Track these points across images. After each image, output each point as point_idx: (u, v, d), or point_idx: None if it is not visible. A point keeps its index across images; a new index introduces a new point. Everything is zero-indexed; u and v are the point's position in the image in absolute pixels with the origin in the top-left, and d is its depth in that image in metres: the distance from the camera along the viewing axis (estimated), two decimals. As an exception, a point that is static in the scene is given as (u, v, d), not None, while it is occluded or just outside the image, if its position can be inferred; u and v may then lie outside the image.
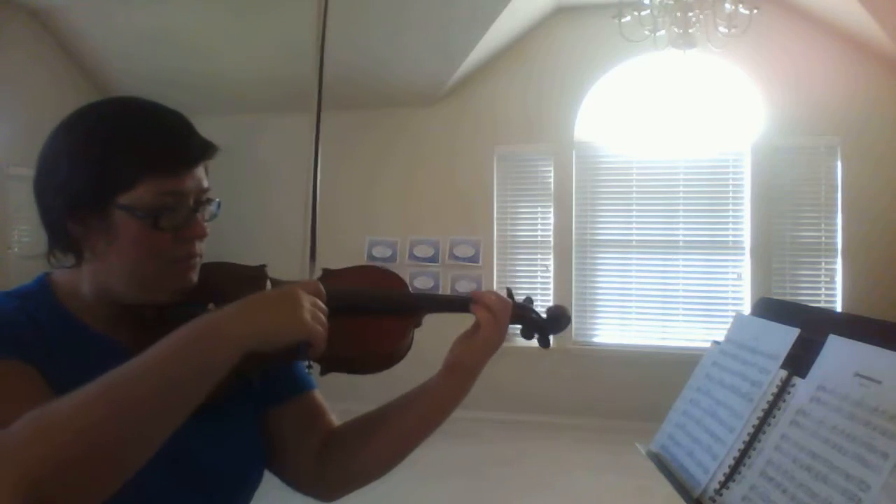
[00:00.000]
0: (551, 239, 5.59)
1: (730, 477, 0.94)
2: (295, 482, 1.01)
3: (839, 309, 5.10)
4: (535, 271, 5.61)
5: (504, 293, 0.99)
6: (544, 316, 1.01)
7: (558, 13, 5.50)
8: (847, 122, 5.02)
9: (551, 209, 5.60)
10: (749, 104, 5.24)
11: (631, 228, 5.54)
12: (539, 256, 5.60)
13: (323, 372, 0.92)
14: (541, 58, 5.55)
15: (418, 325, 0.97)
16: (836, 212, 5.13)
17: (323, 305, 0.82)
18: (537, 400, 5.35)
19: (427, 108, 5.78)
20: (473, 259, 5.58)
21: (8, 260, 5.35)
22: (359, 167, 5.78)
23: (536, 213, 5.70)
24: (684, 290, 5.44)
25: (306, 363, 0.76)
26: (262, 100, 5.68)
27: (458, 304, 0.97)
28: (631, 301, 5.49)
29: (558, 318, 1.01)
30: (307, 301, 0.79)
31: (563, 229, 5.54)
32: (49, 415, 0.66)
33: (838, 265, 5.13)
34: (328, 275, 1.00)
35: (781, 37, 5.05)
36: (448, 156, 5.76)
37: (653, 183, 5.48)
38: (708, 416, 1.07)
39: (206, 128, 0.90)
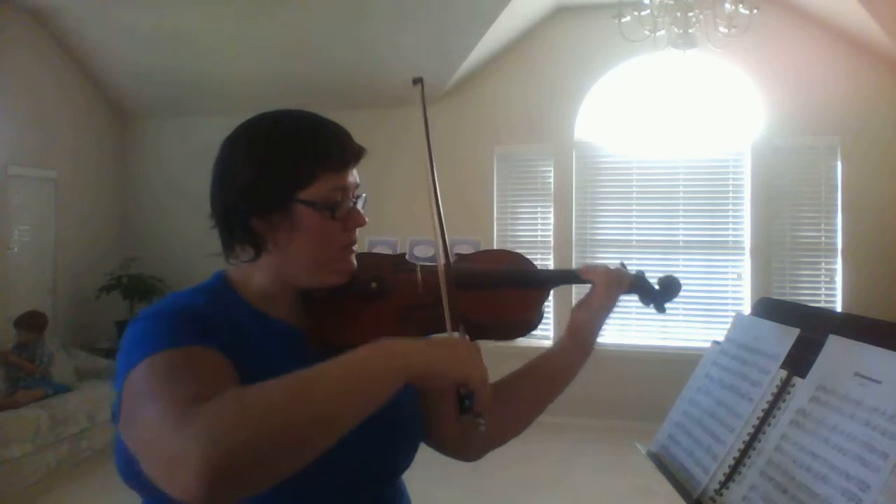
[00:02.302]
0: (551, 239, 5.59)
1: (730, 477, 0.94)
2: (440, 446, 1.13)
3: (839, 309, 5.10)
4: (535, 271, 5.60)
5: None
6: (657, 287, 1.18)
7: (558, 13, 5.50)
8: (847, 122, 5.02)
9: (551, 209, 5.60)
10: (749, 104, 5.24)
11: (631, 228, 5.55)
12: (539, 256, 5.60)
13: (471, 339, 1.00)
14: (541, 58, 5.55)
15: (546, 298, 1.09)
16: (836, 212, 5.13)
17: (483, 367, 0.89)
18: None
19: (427, 108, 5.78)
20: (473, 259, 5.58)
21: (8, 260, 5.35)
22: (358, 167, 5.78)
23: (536, 213, 5.71)
24: (684, 290, 5.42)
25: (474, 415, 0.85)
26: (261, 99, 5.68)
27: (573, 276, 1.14)
28: (631, 301, 5.48)
29: (671, 286, 1.17)
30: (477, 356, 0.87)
31: (563, 229, 5.54)
32: (250, 395, 0.71)
33: (838, 265, 5.13)
34: (464, 258, 1.17)
35: (781, 37, 5.05)
36: (448, 156, 5.76)
37: (653, 183, 5.48)
38: (708, 416, 1.07)
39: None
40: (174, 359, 0.80)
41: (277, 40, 5.28)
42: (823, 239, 5.21)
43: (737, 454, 0.95)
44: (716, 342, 1.19)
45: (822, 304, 5.15)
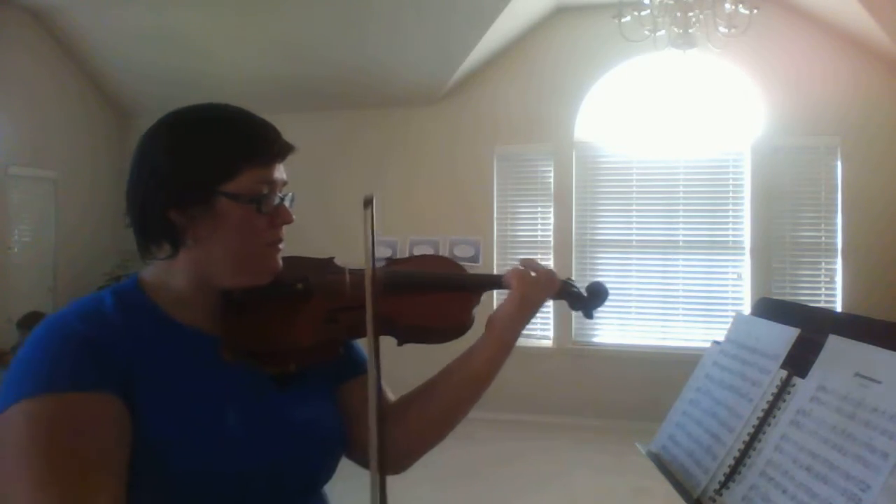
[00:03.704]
0: (551, 239, 5.59)
1: (730, 477, 0.94)
2: (362, 459, 1.07)
3: (839, 309, 5.10)
4: (535, 271, 5.60)
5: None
6: (584, 293, 1.14)
7: (558, 13, 5.50)
8: (847, 122, 5.02)
9: (551, 209, 5.60)
10: (749, 104, 5.24)
11: (631, 228, 5.54)
12: (539, 256, 5.59)
13: (400, 343, 1.02)
14: (541, 58, 5.55)
15: (478, 302, 1.07)
16: (836, 212, 5.12)
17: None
18: (537, 400, 5.35)
19: (427, 108, 5.78)
20: (473, 259, 5.58)
21: (8, 260, 5.35)
22: (359, 167, 5.79)
23: (536, 212, 5.70)
24: (684, 290, 5.44)
25: None
26: (261, 99, 5.68)
27: (496, 282, 1.11)
28: (631, 301, 5.48)
29: (597, 293, 1.13)
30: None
31: (563, 229, 5.54)
32: None
33: (838, 265, 5.13)
34: (392, 262, 1.13)
35: (781, 37, 5.05)
36: (448, 156, 5.76)
37: (653, 183, 5.48)
38: (708, 416, 1.07)
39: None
40: (53, 414, 0.77)
41: (277, 40, 5.28)
42: (823, 239, 5.21)
43: (737, 454, 0.95)
44: (716, 342, 1.19)
45: (822, 304, 5.15)
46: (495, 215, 5.68)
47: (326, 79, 5.56)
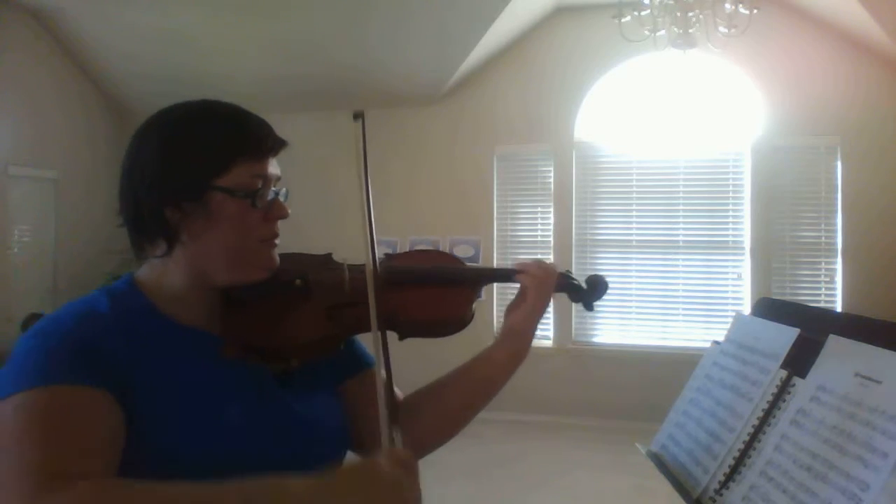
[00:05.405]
0: (551, 239, 5.59)
1: (730, 477, 0.94)
2: (370, 454, 1.07)
3: (839, 309, 5.10)
4: (535, 271, 5.60)
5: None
6: (584, 286, 1.15)
7: (558, 13, 5.50)
8: (847, 122, 5.02)
9: (551, 209, 5.60)
10: (749, 104, 5.24)
11: (631, 228, 5.54)
12: (539, 256, 5.59)
13: (401, 337, 1.01)
14: (541, 58, 5.55)
15: (479, 296, 1.07)
16: (836, 212, 5.12)
17: (415, 466, 0.83)
18: (537, 400, 5.35)
19: (427, 108, 5.78)
20: (473, 259, 5.58)
21: (8, 260, 5.35)
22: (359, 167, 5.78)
23: (536, 212, 5.71)
24: (684, 290, 5.44)
25: None
26: (262, 99, 5.68)
27: (505, 274, 1.11)
28: (631, 301, 5.48)
29: (597, 285, 1.14)
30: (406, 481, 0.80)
31: (563, 229, 5.54)
32: (112, 494, 0.70)
33: (838, 265, 5.13)
34: (391, 257, 1.12)
35: (781, 37, 5.05)
36: (448, 156, 5.76)
37: (653, 183, 5.48)
38: (708, 416, 1.07)
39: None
40: (47, 404, 0.77)
41: (277, 40, 5.28)
42: (823, 239, 5.21)
43: (737, 454, 0.95)
44: (716, 342, 1.19)
45: (822, 304, 5.15)
46: (495, 215, 5.68)
47: (326, 79, 5.56)
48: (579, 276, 1.18)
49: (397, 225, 5.70)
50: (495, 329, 5.04)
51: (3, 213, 5.26)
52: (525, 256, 5.65)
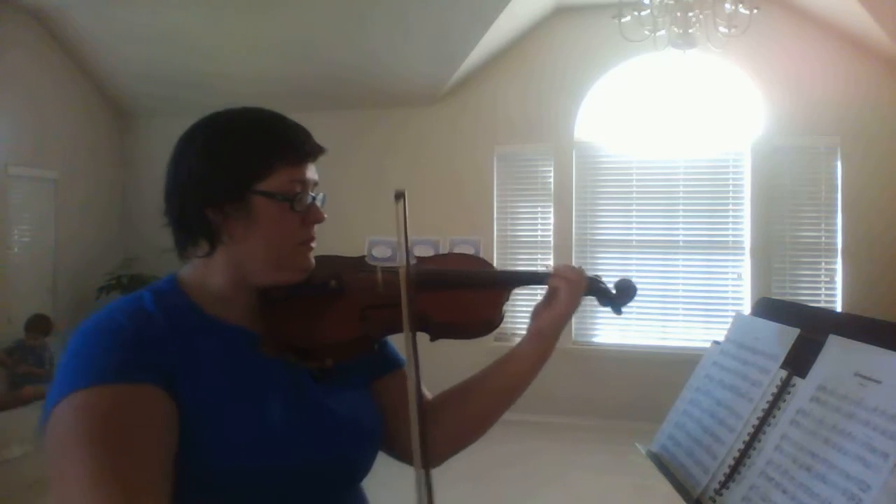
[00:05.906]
0: (551, 239, 5.59)
1: (730, 477, 0.94)
2: (398, 453, 1.09)
3: (839, 309, 5.10)
4: (535, 271, 5.61)
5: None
6: (613, 290, 1.15)
7: (558, 13, 5.50)
8: (847, 122, 5.02)
9: (551, 209, 5.60)
10: (749, 104, 5.24)
11: (631, 228, 5.54)
12: (539, 256, 5.60)
13: (433, 338, 1.04)
14: (541, 58, 5.55)
15: (507, 298, 1.09)
16: (836, 212, 5.12)
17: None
18: (537, 400, 5.33)
19: (427, 108, 5.78)
20: (473, 259, 5.57)
21: (8, 260, 5.35)
22: (359, 167, 5.78)
23: (536, 212, 5.70)
24: (684, 290, 5.44)
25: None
26: (261, 99, 5.68)
27: (539, 278, 1.12)
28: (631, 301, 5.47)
29: (626, 289, 1.15)
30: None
31: (563, 229, 5.54)
32: None
33: (838, 265, 5.13)
34: (423, 260, 1.15)
35: (781, 37, 5.05)
36: (448, 156, 5.76)
37: (653, 183, 5.48)
38: (708, 416, 1.07)
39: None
40: (104, 406, 0.78)
41: (277, 40, 5.28)
42: (823, 239, 5.21)
43: (737, 454, 0.95)
44: (716, 342, 1.19)
45: (822, 304, 5.15)
46: (495, 215, 5.67)
47: (326, 79, 5.56)
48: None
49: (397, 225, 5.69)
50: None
51: (3, 213, 5.26)
52: (525, 256, 5.65)
